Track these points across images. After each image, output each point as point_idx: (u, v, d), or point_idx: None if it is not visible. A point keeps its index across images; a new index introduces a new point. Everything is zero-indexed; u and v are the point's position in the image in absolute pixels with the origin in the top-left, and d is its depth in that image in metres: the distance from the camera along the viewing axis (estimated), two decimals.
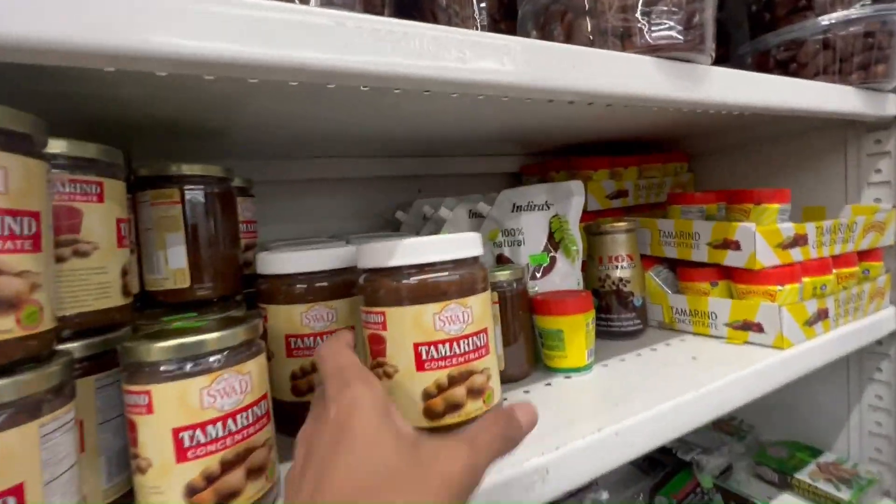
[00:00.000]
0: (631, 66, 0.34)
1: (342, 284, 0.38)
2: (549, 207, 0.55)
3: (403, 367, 0.31)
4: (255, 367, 0.28)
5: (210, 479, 0.25)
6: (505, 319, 0.47)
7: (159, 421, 0.25)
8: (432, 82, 0.28)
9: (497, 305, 0.46)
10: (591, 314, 0.47)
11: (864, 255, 0.59)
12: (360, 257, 0.34)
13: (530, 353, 0.49)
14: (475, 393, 0.32)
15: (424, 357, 0.31)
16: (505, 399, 0.40)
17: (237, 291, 0.42)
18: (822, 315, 0.51)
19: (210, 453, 0.25)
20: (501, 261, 0.56)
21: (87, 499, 0.27)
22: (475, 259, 0.34)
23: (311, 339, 0.37)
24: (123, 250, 0.30)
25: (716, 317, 0.54)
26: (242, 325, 0.27)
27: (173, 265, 0.37)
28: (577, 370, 0.47)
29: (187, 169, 0.38)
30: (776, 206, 0.54)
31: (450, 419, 0.32)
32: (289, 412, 0.38)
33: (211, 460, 0.25)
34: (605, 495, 0.57)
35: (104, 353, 0.29)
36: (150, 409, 0.25)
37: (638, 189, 0.77)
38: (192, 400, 0.25)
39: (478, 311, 0.33)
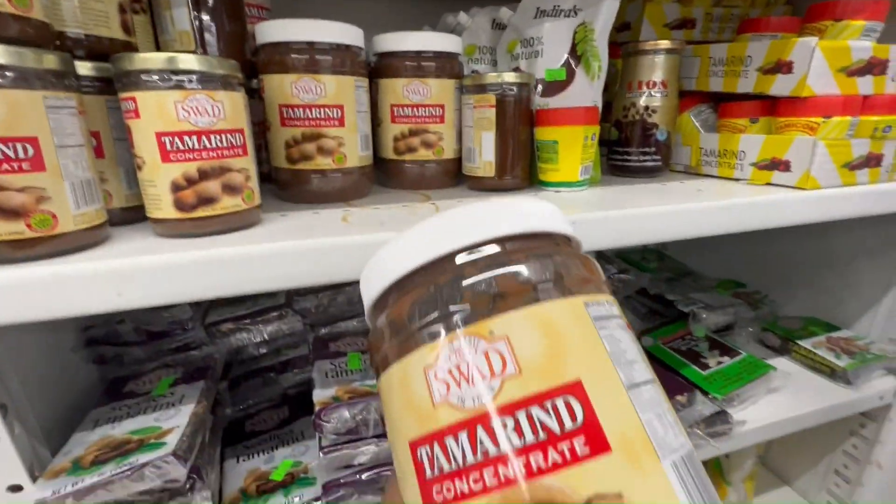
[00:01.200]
0: None
1: (333, 61, 0.39)
2: (576, 14, 0.49)
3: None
4: (227, 99, 0.31)
5: (190, 181, 0.30)
6: (502, 125, 0.46)
7: (145, 125, 0.29)
8: None
9: (495, 109, 0.45)
10: (592, 129, 0.45)
11: None
12: None
13: (526, 168, 0.49)
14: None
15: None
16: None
17: (244, 69, 0.45)
18: (872, 161, 0.45)
19: (188, 160, 0.30)
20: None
21: (112, 196, 0.35)
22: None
23: (302, 110, 0.40)
24: None
25: (744, 156, 0.49)
26: (215, 59, 0.30)
27: (179, 27, 0.40)
28: (568, 185, 0.47)
29: None
30: (861, 23, 0.44)
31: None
32: (284, 177, 0.43)
33: (189, 166, 0.30)
34: None
35: (112, 79, 0.33)
36: (137, 113, 0.29)
37: (710, 20, 0.65)
38: (170, 110, 0.29)
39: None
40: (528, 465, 0.13)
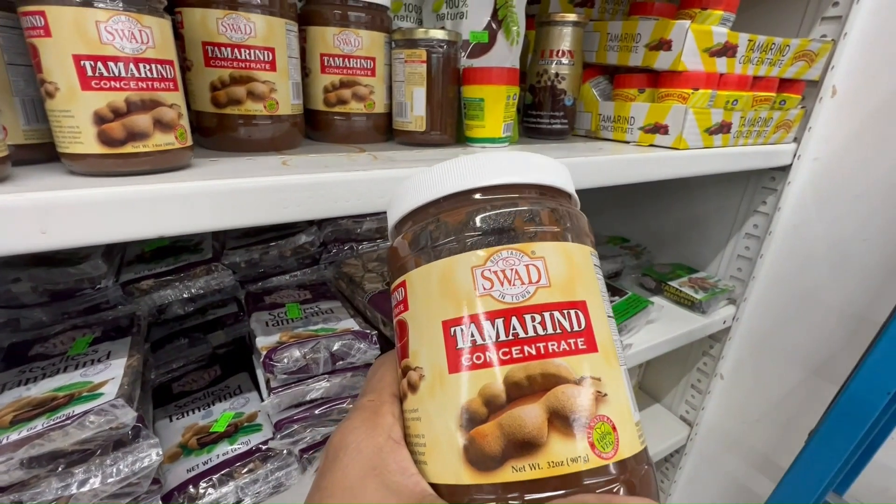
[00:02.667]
0: None
1: None
2: None
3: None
4: (156, 26, 0.29)
5: (117, 113, 0.28)
6: (433, 81, 0.48)
7: (58, 45, 0.26)
8: None
9: (425, 65, 0.47)
10: (514, 89, 0.50)
11: (786, 86, 0.62)
12: None
13: (454, 124, 0.52)
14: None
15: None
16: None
17: None
18: (724, 128, 0.56)
19: (114, 89, 0.28)
20: None
21: (6, 130, 0.30)
22: None
23: (230, 49, 0.38)
24: None
25: (634, 121, 0.58)
26: None
27: None
28: (492, 140, 0.51)
29: None
30: (720, 12, 0.54)
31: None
32: (208, 123, 0.41)
33: (116, 96, 0.28)
34: None
35: None
36: (47, 31, 0.26)
37: (606, 2, 0.73)
38: (90, 30, 0.26)
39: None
40: (546, 348, 0.18)
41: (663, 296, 0.83)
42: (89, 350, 0.35)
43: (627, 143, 0.59)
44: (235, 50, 0.38)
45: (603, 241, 0.95)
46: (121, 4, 0.27)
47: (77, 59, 0.27)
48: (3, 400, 0.30)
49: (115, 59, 0.27)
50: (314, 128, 0.50)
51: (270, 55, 0.40)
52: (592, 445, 0.17)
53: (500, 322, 0.18)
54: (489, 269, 0.19)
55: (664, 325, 0.74)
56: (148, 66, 0.29)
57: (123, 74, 0.28)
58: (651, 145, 0.57)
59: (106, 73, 0.27)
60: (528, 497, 0.16)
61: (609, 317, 0.20)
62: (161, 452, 0.30)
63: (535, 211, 0.20)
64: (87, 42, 0.27)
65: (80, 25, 0.26)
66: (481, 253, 0.19)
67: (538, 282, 0.19)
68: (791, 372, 0.76)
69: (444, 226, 0.20)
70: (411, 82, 0.48)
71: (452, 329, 0.18)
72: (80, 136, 0.28)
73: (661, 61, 0.54)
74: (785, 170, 0.69)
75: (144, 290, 0.43)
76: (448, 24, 0.55)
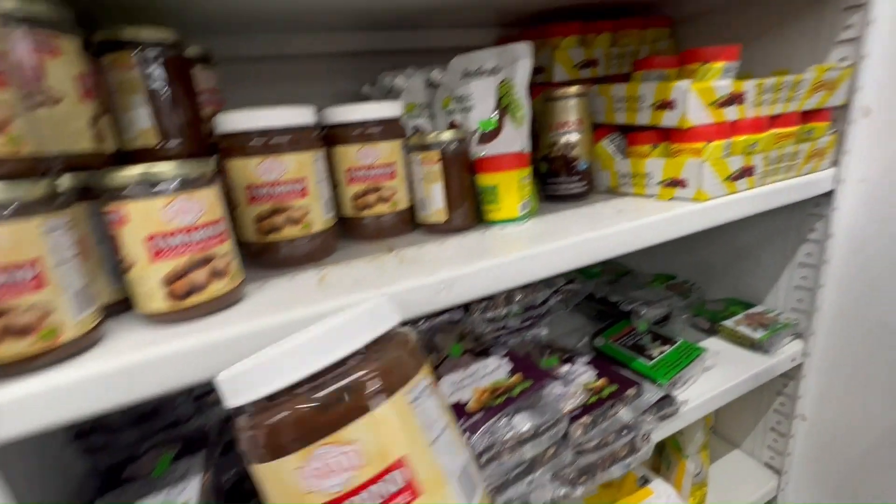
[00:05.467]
0: None
1: (291, 141, 0.44)
2: (497, 72, 0.57)
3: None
4: (207, 195, 0.35)
5: (180, 275, 0.34)
6: (448, 177, 0.52)
7: (133, 231, 0.32)
8: None
9: (439, 164, 0.52)
10: (525, 171, 0.52)
11: (810, 116, 0.61)
12: None
13: (472, 210, 0.55)
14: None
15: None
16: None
17: (204, 153, 0.48)
18: (746, 172, 0.55)
19: (176, 256, 0.33)
20: (454, 127, 0.60)
21: (101, 292, 0.37)
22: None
23: (267, 188, 0.44)
24: (89, 102, 0.36)
25: (651, 177, 0.59)
26: (190, 162, 0.34)
27: (140, 125, 0.43)
28: (510, 221, 0.54)
29: (140, 33, 0.42)
30: (721, 63, 0.54)
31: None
32: (255, 250, 0.46)
33: (177, 261, 0.34)
34: (544, 331, 0.68)
35: (90, 187, 0.36)
36: (123, 222, 0.32)
37: (610, 58, 0.75)
38: (156, 215, 0.32)
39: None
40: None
41: (719, 336, 0.79)
42: (171, 469, 0.40)
43: (649, 197, 0.60)
44: (272, 187, 0.44)
45: (647, 281, 0.93)
46: (178, 186, 0.33)
47: (147, 239, 0.33)
48: None
49: (175, 232, 0.33)
50: (347, 229, 0.55)
51: (302, 185, 0.45)
52: None
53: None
54: (308, 469, 0.23)
55: (725, 371, 0.70)
56: (202, 230, 0.34)
57: (183, 243, 0.33)
58: (672, 199, 0.57)
59: (169, 245, 0.33)
60: None
61: (435, 439, 0.24)
62: None
63: (339, 395, 0.23)
64: (154, 224, 0.32)
65: (147, 214, 0.32)
66: (300, 454, 0.23)
67: (354, 467, 0.23)
68: (888, 407, 0.68)
69: (271, 430, 0.24)
70: (429, 180, 0.53)
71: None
72: (152, 298, 0.34)
73: (668, 119, 0.55)
74: (829, 195, 0.66)
75: (212, 402, 0.48)
76: (458, 116, 0.59)
